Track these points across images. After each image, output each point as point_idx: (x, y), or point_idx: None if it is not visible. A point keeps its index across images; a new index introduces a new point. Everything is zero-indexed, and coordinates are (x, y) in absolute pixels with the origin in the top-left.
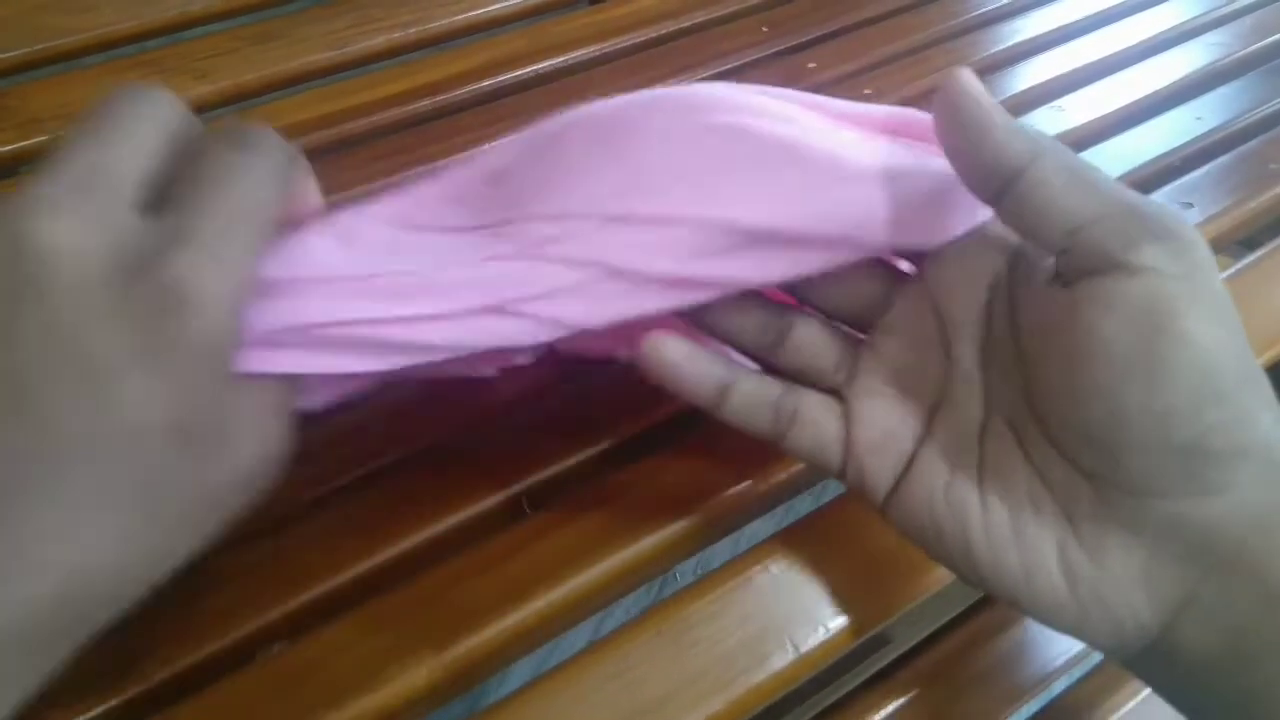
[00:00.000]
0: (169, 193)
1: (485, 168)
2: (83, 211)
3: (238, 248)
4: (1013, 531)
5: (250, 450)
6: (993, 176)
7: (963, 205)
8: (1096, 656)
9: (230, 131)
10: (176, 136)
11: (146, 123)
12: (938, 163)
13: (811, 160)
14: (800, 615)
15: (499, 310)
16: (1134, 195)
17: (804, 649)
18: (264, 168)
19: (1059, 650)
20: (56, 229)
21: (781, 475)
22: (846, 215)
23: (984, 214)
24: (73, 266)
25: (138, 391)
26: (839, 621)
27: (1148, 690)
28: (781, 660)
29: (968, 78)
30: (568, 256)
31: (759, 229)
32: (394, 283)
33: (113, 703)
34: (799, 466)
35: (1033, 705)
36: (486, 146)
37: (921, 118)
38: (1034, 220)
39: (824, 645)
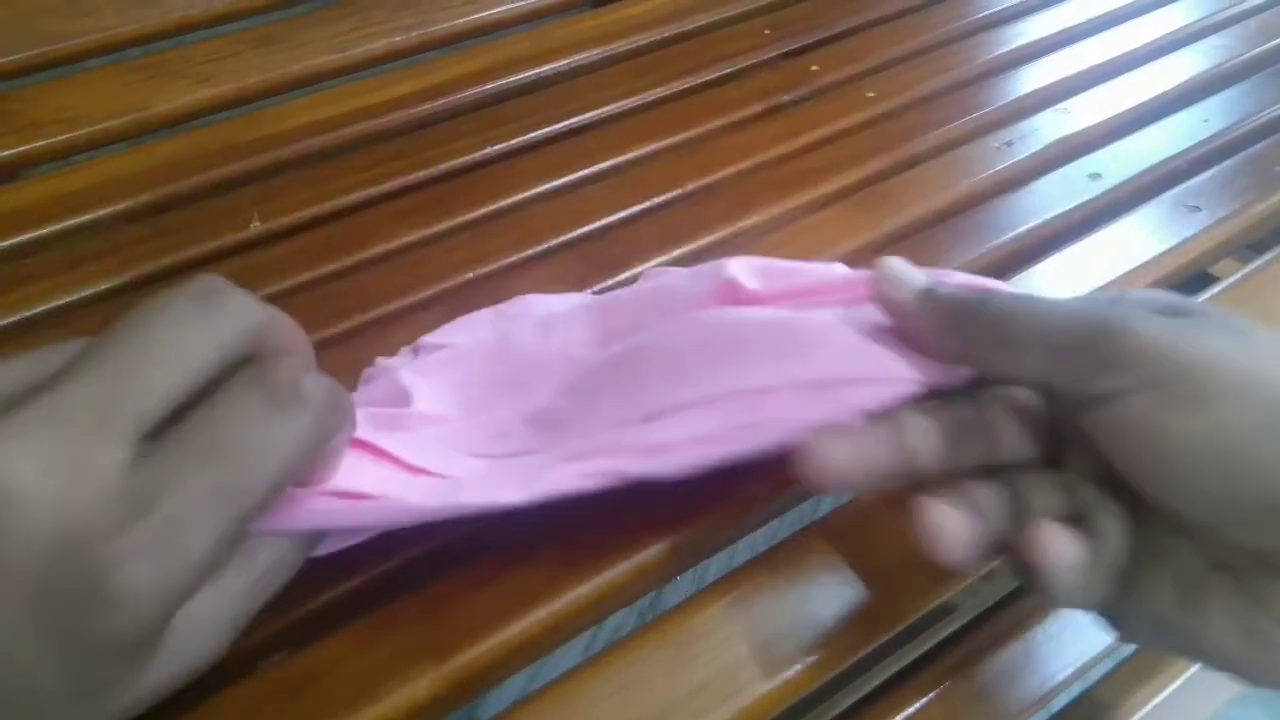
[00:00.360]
0: (183, 416)
1: (524, 409)
2: (60, 455)
3: (197, 537)
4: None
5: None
6: (935, 353)
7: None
8: (1098, 671)
9: (276, 373)
10: (229, 356)
11: (197, 346)
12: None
13: (810, 333)
14: (805, 626)
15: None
16: (1068, 322)
17: (810, 660)
18: (286, 436)
19: (1062, 663)
20: (21, 470)
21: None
22: (850, 365)
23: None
24: (20, 516)
25: (38, 665)
26: (845, 632)
27: (1155, 700)
28: (787, 671)
29: (888, 269)
30: (607, 449)
31: (775, 387)
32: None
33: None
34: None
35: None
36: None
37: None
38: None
39: (830, 656)
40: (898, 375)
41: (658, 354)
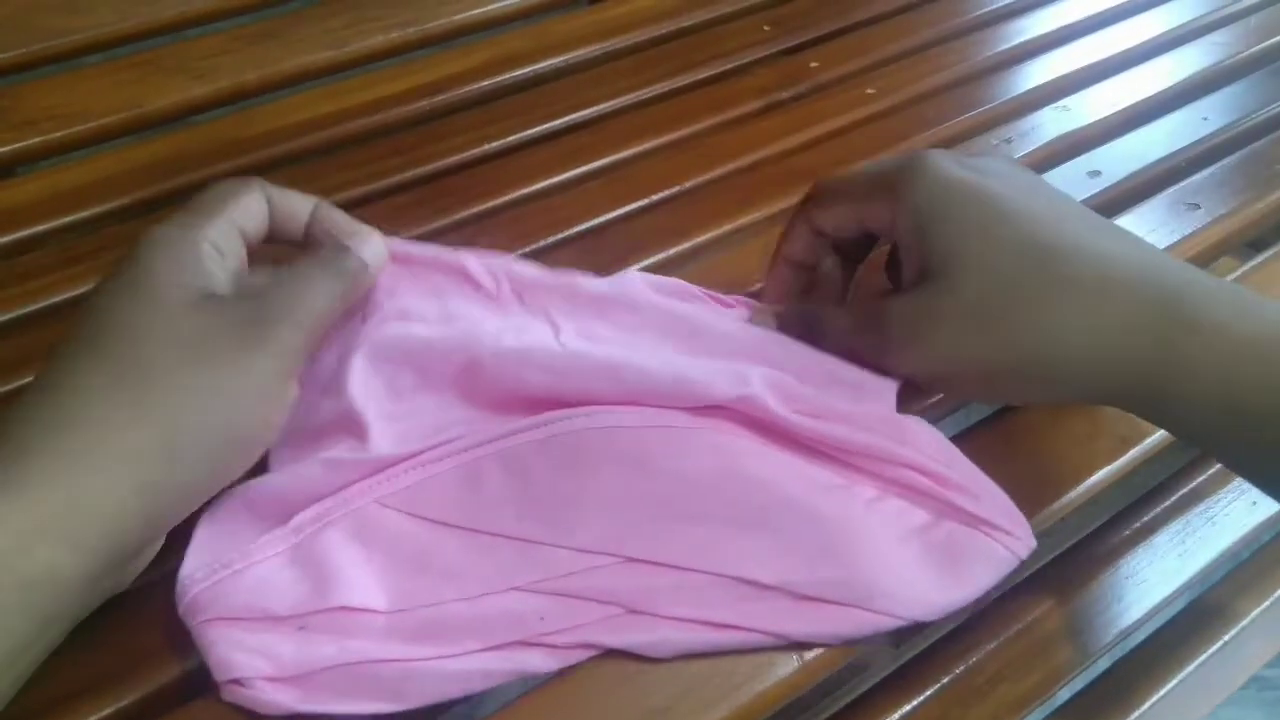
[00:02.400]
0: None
1: (502, 451)
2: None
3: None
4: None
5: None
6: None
7: (965, 579)
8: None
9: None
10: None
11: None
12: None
13: (819, 528)
14: None
15: (526, 644)
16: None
17: (808, 657)
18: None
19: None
20: (159, 254)
21: None
22: (851, 588)
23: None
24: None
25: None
26: None
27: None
28: (786, 668)
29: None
30: (588, 592)
31: (769, 586)
32: (425, 619)
33: (125, 702)
34: None
35: None
36: (506, 429)
37: (898, 455)
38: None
39: (828, 654)
40: (894, 611)
41: (663, 472)
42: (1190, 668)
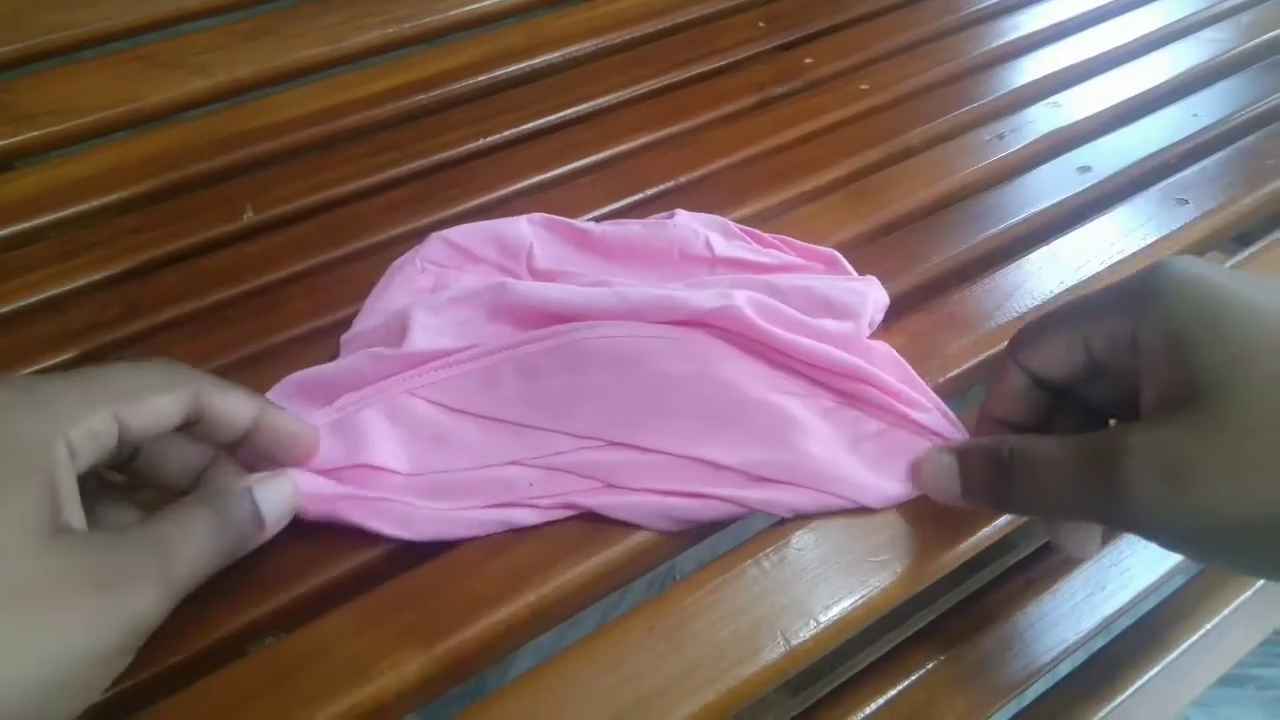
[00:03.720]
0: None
1: (518, 356)
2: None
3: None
4: None
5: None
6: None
7: (885, 470)
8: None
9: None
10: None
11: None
12: (873, 436)
13: (779, 424)
14: (791, 609)
15: (515, 504)
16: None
17: (795, 642)
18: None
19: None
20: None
21: None
22: (776, 464)
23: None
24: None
25: None
26: (830, 615)
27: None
28: (773, 653)
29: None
30: (574, 467)
31: (727, 466)
32: (436, 481)
33: (102, 696)
34: None
35: (1011, 708)
36: (522, 337)
37: (872, 378)
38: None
39: (814, 638)
40: (843, 495)
41: (647, 375)
42: (1173, 655)
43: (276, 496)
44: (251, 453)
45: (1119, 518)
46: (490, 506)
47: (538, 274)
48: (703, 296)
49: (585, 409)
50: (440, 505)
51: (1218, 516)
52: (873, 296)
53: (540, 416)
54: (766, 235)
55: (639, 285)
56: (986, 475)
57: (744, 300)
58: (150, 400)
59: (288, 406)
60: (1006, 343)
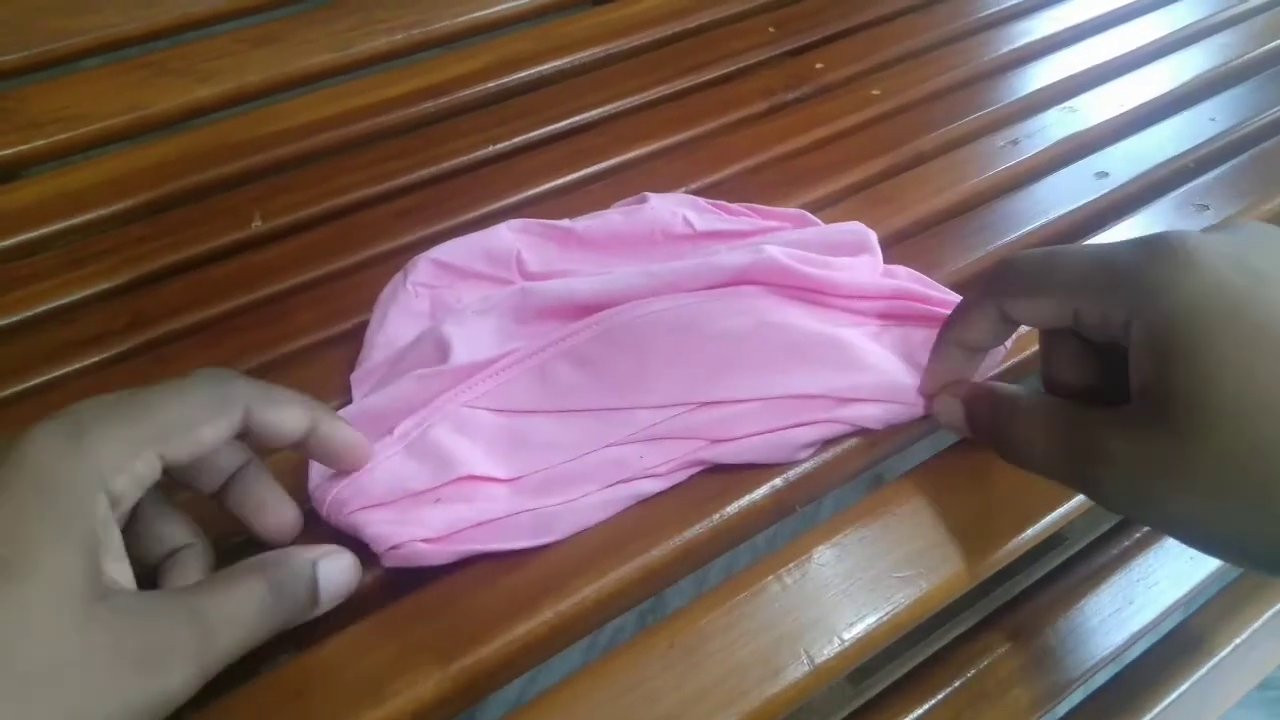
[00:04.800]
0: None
1: (566, 349)
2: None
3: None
4: None
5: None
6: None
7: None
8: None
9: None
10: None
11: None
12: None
13: (843, 351)
14: (814, 626)
15: (630, 480)
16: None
17: (818, 660)
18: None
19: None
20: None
21: (799, 475)
22: (858, 385)
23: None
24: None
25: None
26: (854, 631)
27: (1162, 704)
28: (796, 672)
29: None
30: (674, 434)
31: (810, 395)
32: (542, 479)
33: None
34: (817, 467)
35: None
36: (565, 330)
37: (913, 308)
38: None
39: (839, 656)
40: (913, 400)
41: (711, 336)
42: (1202, 671)
43: (339, 574)
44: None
45: (1094, 496)
46: (611, 486)
47: (532, 278)
48: (733, 256)
49: (660, 380)
50: (558, 499)
51: (1179, 519)
52: (869, 232)
53: (616, 398)
54: (734, 205)
55: (630, 269)
56: (987, 424)
57: (772, 250)
58: (197, 432)
59: None
60: (985, 278)
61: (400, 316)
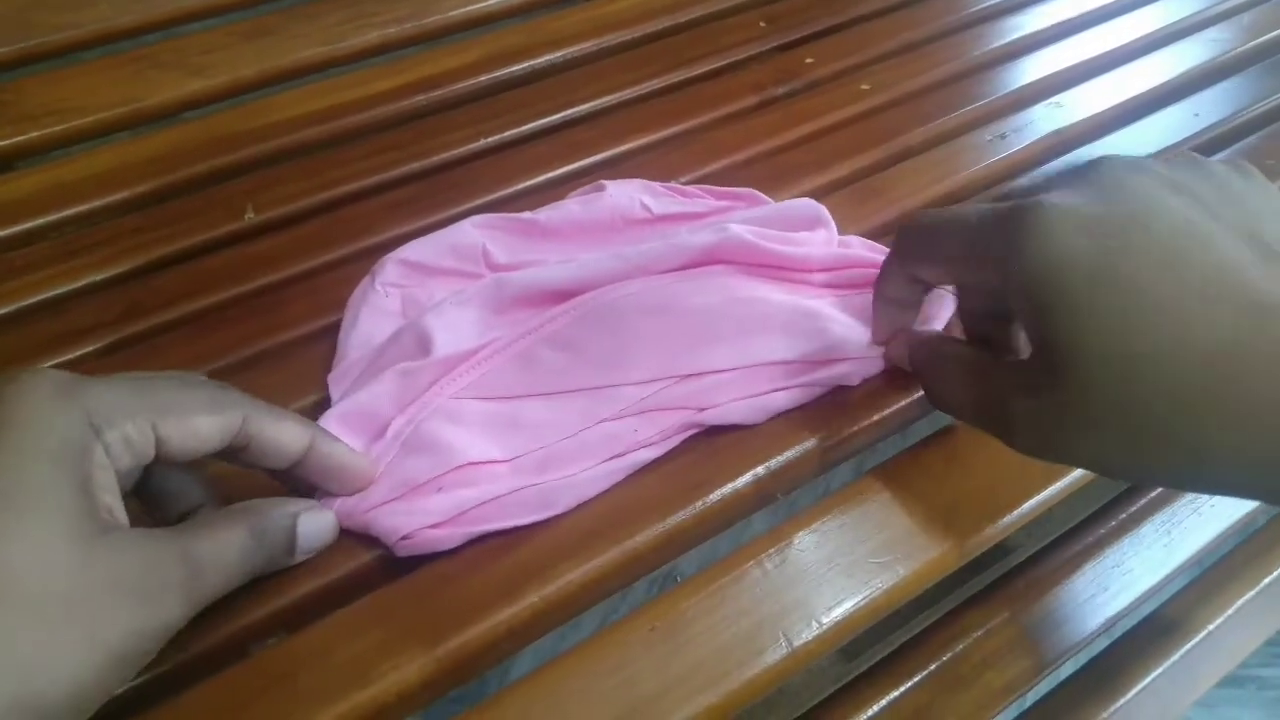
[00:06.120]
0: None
1: (547, 335)
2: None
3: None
4: None
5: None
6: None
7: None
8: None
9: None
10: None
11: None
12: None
13: (813, 320)
14: (794, 610)
15: (623, 454)
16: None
17: (797, 643)
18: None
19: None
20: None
21: (781, 464)
22: (830, 347)
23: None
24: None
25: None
26: (833, 615)
27: (1135, 689)
28: (775, 654)
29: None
30: (662, 405)
31: (786, 361)
32: (539, 457)
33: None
34: (799, 456)
35: (1014, 709)
36: (544, 316)
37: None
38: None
39: (817, 639)
40: (876, 354)
41: (687, 313)
42: (1176, 656)
43: (316, 530)
44: (288, 476)
45: (1009, 443)
46: (609, 459)
47: (499, 270)
48: (698, 237)
49: (642, 357)
50: (560, 474)
51: (1083, 463)
52: (822, 208)
53: (601, 376)
54: (688, 187)
55: (600, 254)
56: (920, 370)
57: (735, 228)
58: (193, 419)
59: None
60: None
61: (372, 316)
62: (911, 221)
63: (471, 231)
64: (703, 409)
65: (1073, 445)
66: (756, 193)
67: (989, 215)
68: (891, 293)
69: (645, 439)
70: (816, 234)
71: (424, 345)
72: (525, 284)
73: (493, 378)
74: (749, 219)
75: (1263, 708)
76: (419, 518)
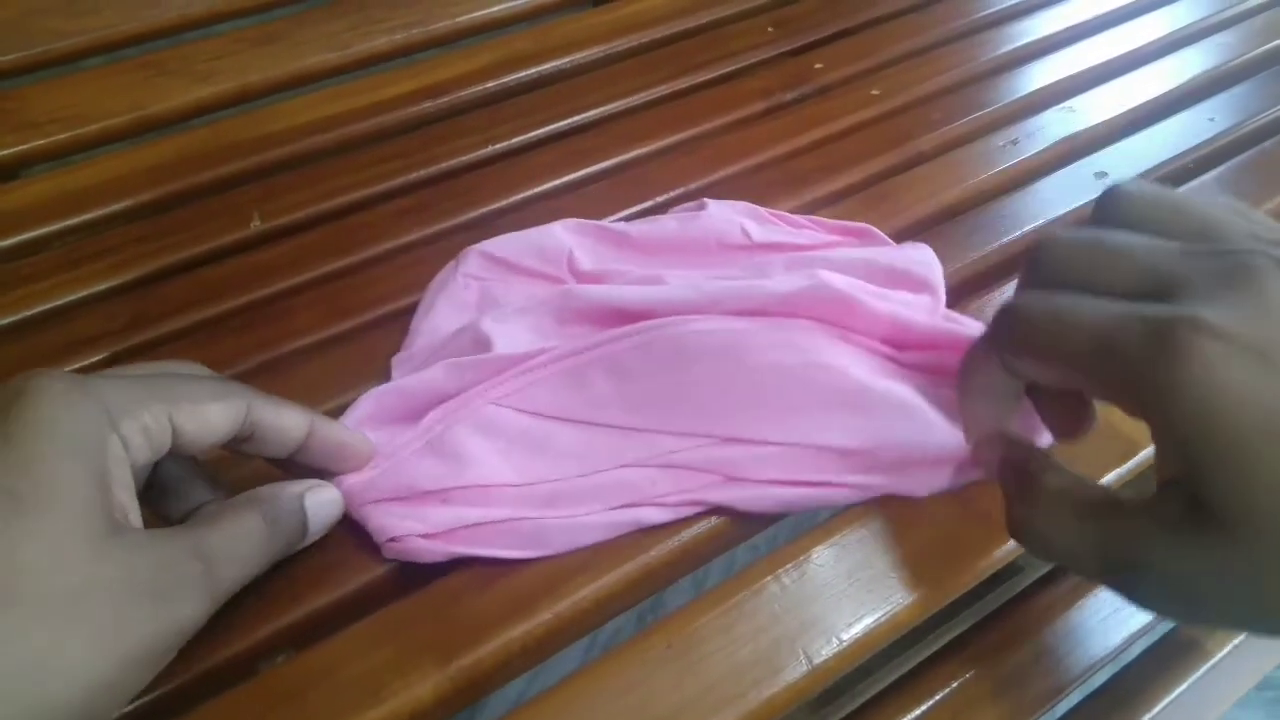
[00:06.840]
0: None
1: (602, 355)
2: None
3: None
4: None
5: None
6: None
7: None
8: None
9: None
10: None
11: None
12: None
13: (892, 404)
14: (813, 626)
15: (636, 505)
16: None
17: (817, 660)
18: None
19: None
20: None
21: None
22: (904, 444)
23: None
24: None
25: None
26: (853, 632)
27: (1161, 704)
28: (795, 672)
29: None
30: (691, 465)
31: (843, 449)
32: (552, 490)
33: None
34: None
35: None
36: (605, 336)
37: (950, 357)
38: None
39: (837, 656)
40: (958, 462)
41: (754, 368)
42: (1199, 672)
43: (325, 506)
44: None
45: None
46: (616, 509)
47: (582, 277)
48: (785, 282)
49: (690, 406)
50: (562, 513)
51: (1241, 626)
52: (937, 265)
53: (640, 418)
54: (797, 217)
55: (688, 275)
56: (1009, 500)
57: (827, 275)
58: (205, 406)
59: (368, 423)
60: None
61: (447, 306)
62: (1018, 308)
63: (560, 234)
64: (732, 479)
65: (1233, 609)
66: (872, 229)
67: (1129, 326)
68: (982, 383)
69: (659, 495)
70: (920, 298)
71: (481, 348)
72: (591, 299)
73: (536, 390)
74: (851, 261)
75: (1263, 708)
76: (413, 523)
